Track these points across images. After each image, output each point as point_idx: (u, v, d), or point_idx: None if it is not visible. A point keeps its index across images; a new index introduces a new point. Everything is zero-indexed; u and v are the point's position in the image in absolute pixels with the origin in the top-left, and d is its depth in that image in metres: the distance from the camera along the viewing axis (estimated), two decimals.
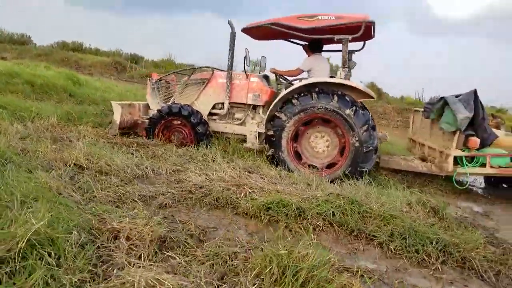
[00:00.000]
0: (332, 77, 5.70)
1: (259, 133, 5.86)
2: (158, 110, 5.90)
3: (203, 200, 3.62)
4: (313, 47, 5.89)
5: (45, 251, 1.92)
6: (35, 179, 3.04)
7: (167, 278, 1.86)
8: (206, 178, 4.15)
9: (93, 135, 5.45)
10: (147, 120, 6.09)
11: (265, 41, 6.67)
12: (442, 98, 5.19)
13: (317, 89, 5.25)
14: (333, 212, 3.48)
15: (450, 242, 3.21)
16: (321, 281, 2.17)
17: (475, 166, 5.08)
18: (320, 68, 5.76)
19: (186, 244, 2.62)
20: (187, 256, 2.43)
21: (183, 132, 5.86)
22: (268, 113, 5.63)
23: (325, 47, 6.14)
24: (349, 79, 5.49)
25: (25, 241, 1.88)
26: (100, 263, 2.12)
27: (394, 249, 3.15)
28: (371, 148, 5.07)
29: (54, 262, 1.90)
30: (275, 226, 3.31)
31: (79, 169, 3.81)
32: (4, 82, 8.16)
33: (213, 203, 3.60)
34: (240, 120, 6.09)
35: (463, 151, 5.07)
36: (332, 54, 6.23)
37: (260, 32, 5.97)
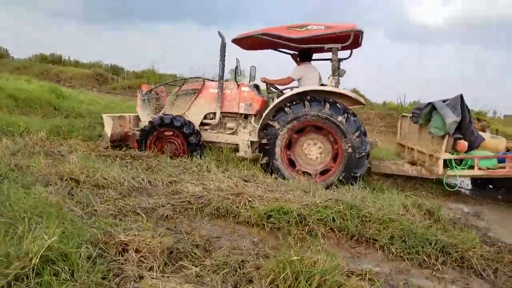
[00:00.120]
0: (322, 85, 5.81)
1: (252, 142, 5.90)
2: (150, 122, 5.87)
3: (203, 210, 3.62)
4: (303, 56, 6.00)
5: (58, 267, 1.90)
6: (34, 195, 3.00)
7: None
8: (203, 188, 4.15)
9: (84, 148, 5.39)
10: (138, 132, 6.06)
11: (253, 51, 6.76)
12: (430, 103, 5.35)
13: (308, 97, 5.34)
14: (333, 217, 3.53)
15: (448, 242, 3.30)
16: (333, 286, 2.21)
17: (464, 168, 5.23)
18: (310, 76, 5.86)
19: (193, 254, 2.61)
20: (197, 266, 2.43)
21: (176, 143, 5.84)
22: (261, 121, 5.68)
23: (313, 56, 6.25)
24: (337, 87, 5.61)
25: (39, 257, 1.85)
26: (113, 277, 2.10)
27: (395, 252, 3.21)
28: (363, 153, 5.17)
29: (68, 278, 1.88)
30: (277, 233, 3.34)
31: (76, 183, 3.76)
32: None
33: (214, 213, 3.60)
34: (232, 129, 6.12)
35: (452, 154, 5.22)
36: (319, 63, 6.32)
37: (250, 42, 6.05)
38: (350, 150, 5.17)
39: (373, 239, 3.36)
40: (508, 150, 5.61)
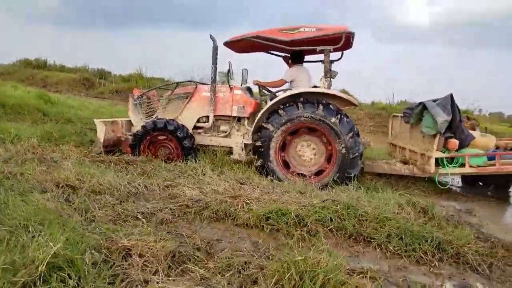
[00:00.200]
0: (314, 86, 5.87)
1: (245, 144, 5.93)
2: (143, 126, 5.85)
3: (202, 213, 3.63)
4: (295, 58, 6.05)
5: (64, 274, 1.89)
6: (32, 202, 2.97)
7: None
8: (200, 192, 4.17)
9: (77, 154, 5.35)
10: (130, 137, 6.03)
11: (244, 53, 6.79)
12: (421, 103, 5.45)
13: (302, 99, 5.38)
14: (330, 217, 3.57)
15: (443, 239, 3.37)
16: (336, 284, 2.24)
17: (455, 166, 5.34)
18: (302, 78, 5.91)
19: (196, 257, 2.62)
20: (200, 269, 2.44)
21: (169, 147, 5.83)
22: (254, 124, 5.71)
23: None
24: (329, 88, 5.67)
25: (45, 264, 1.85)
26: (119, 282, 2.10)
27: (392, 249, 3.27)
28: (357, 154, 5.24)
29: (75, 284, 1.87)
30: (277, 234, 3.37)
31: (72, 190, 3.73)
32: None
33: (212, 216, 3.61)
34: (226, 132, 6.13)
35: (444, 152, 5.32)
36: (309, 65, 6.39)
37: (242, 45, 6.07)
38: (343, 150, 5.24)
39: (371, 238, 3.42)
40: (497, 148, 5.74)
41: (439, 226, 3.82)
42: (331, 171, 5.35)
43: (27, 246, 2.06)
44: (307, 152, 5.59)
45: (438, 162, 5.36)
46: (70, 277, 1.89)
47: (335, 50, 5.59)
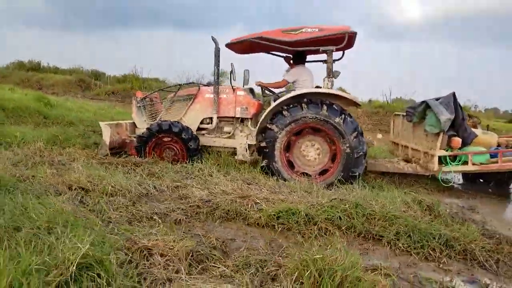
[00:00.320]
0: (317, 87, 5.93)
1: (249, 145, 5.98)
2: (148, 128, 5.89)
3: (213, 213, 3.69)
4: (297, 58, 6.12)
5: (94, 273, 1.95)
6: (48, 205, 3.02)
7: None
8: (209, 192, 4.23)
9: (84, 156, 5.38)
10: (135, 139, 6.07)
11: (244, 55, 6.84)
12: (423, 102, 5.52)
13: (305, 100, 5.45)
14: (339, 216, 3.64)
15: (451, 236, 3.45)
16: (353, 281, 2.31)
17: (458, 164, 5.42)
18: (304, 78, 5.97)
19: (213, 256, 2.68)
20: (219, 268, 2.50)
21: (175, 148, 5.87)
22: (258, 125, 5.77)
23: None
24: (332, 88, 5.74)
25: (75, 265, 1.90)
26: (143, 280, 2.15)
27: (401, 247, 3.34)
28: (361, 153, 5.32)
29: (105, 283, 1.92)
30: (288, 233, 3.43)
31: (85, 192, 3.78)
32: None
33: (224, 216, 3.67)
34: (229, 133, 6.19)
35: (447, 151, 5.40)
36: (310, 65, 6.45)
37: (244, 46, 6.13)
38: (348, 150, 5.31)
39: (380, 236, 3.49)
40: (499, 145, 5.82)
41: (446, 223, 3.89)
42: (335, 171, 5.41)
43: (53, 248, 2.11)
44: (311, 152, 5.66)
45: (441, 160, 5.44)
46: (99, 277, 1.94)
47: (337, 50, 5.66)
